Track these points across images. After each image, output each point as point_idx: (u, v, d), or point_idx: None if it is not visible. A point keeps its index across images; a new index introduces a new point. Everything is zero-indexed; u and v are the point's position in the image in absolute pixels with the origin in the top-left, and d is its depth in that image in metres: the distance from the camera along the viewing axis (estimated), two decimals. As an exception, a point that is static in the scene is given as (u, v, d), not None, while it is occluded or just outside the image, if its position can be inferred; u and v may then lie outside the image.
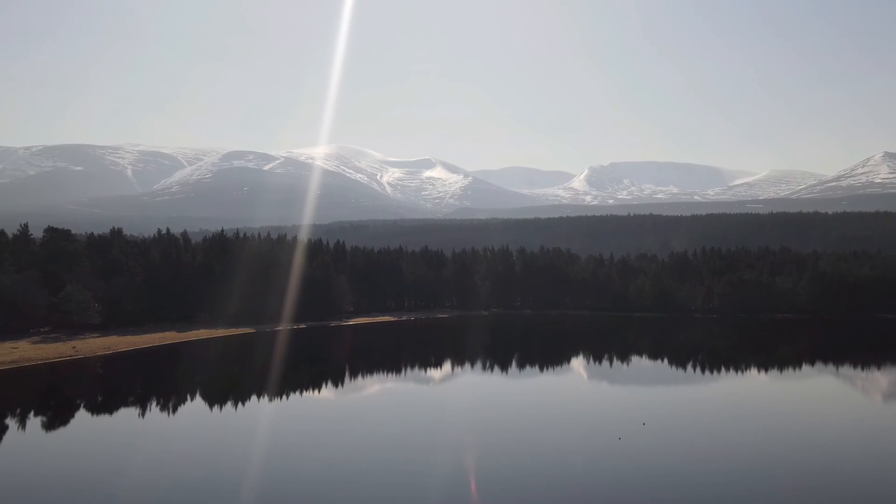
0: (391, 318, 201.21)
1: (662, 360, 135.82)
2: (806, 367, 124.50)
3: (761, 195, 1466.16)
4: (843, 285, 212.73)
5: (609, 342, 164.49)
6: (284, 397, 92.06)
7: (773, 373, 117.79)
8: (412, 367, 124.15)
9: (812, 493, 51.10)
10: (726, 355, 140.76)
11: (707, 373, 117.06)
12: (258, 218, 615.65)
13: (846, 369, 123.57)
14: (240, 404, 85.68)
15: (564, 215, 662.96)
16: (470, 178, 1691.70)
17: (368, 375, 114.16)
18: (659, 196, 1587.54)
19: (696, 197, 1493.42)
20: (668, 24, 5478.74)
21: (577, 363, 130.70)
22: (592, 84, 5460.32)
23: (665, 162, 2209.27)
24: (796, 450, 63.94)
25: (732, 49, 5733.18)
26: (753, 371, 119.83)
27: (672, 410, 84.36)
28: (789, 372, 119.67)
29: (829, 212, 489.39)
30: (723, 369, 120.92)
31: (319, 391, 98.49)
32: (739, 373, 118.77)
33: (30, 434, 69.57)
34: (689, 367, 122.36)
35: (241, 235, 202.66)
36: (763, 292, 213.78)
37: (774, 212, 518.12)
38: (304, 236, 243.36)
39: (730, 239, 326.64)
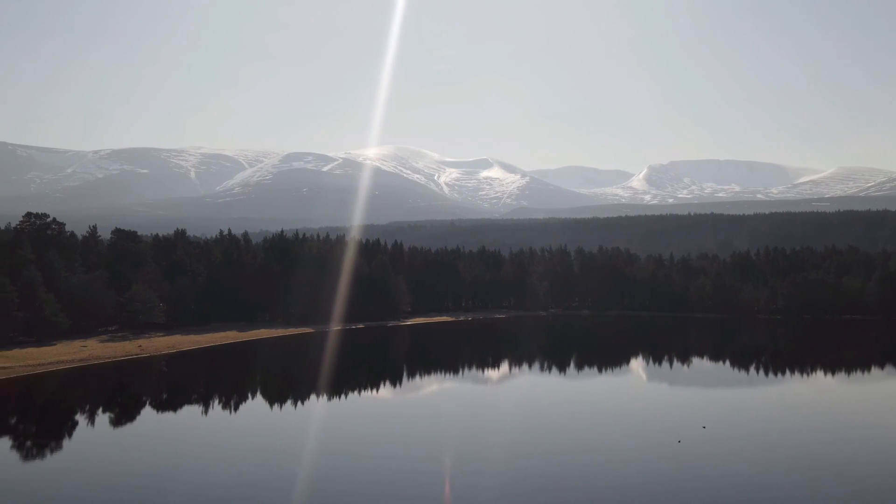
0: (448, 319, 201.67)
1: (724, 361, 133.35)
2: (875, 371, 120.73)
3: (827, 193, 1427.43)
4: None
5: (669, 343, 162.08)
6: (343, 397, 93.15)
7: (841, 376, 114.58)
8: (470, 367, 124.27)
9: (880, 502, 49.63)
10: (791, 357, 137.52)
11: (770, 375, 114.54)
12: (317, 219, 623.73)
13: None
14: (299, 403, 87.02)
15: (623, 215, 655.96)
16: (527, 177, 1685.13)
17: (426, 376, 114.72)
18: (720, 195, 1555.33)
19: (758, 195, 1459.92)
20: (725, 21, 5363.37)
21: (637, 364, 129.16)
22: (651, 82, 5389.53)
23: (726, 160, 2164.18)
24: (865, 457, 62.10)
25: (795, 46, 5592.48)
26: (819, 374, 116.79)
27: (733, 414, 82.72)
28: (857, 375, 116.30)
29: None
30: (787, 372, 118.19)
31: (377, 391, 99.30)
32: (805, 375, 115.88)
33: (98, 430, 71.73)
34: (752, 370, 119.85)
35: (301, 236, 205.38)
36: (829, 293, 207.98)
37: (841, 210, 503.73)
38: (361, 237, 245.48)
39: (794, 238, 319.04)
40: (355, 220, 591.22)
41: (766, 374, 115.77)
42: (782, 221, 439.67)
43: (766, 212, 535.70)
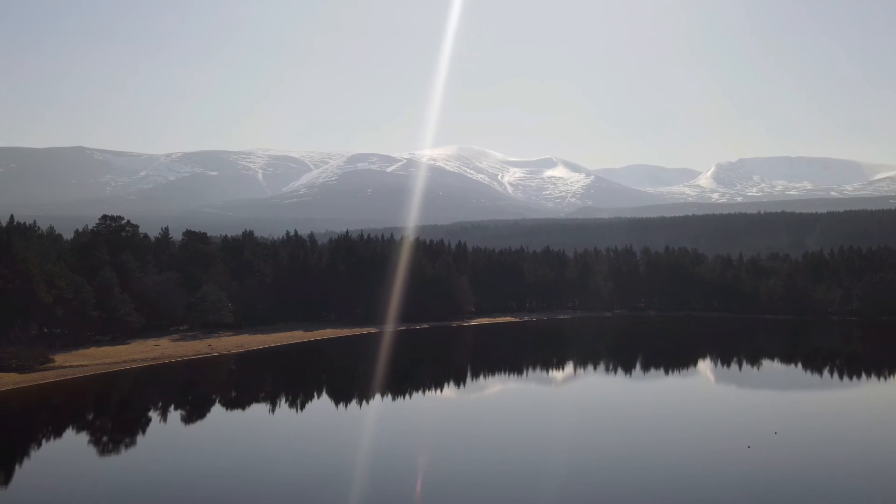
0: (512, 319, 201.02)
1: (796, 364, 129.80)
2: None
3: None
4: None
5: (739, 345, 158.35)
6: (407, 396, 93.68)
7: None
8: (534, 368, 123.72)
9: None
10: (868, 361, 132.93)
11: (846, 379, 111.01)
12: (381, 219, 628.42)
13: None
14: (364, 402, 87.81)
15: (690, 214, 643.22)
16: (592, 176, 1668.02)
17: (490, 376, 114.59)
18: (792, 192, 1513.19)
19: (832, 193, 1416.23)
20: (794, 16, 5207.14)
21: (705, 366, 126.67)
22: (717, 78, 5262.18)
23: (798, 157, 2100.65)
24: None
25: (867, 40, 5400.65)
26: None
27: (807, 419, 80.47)
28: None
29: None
30: (864, 376, 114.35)
31: (441, 391, 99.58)
32: (883, 380, 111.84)
33: (170, 427, 73.69)
34: (826, 373, 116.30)
35: (365, 237, 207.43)
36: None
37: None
38: (425, 237, 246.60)
39: (871, 237, 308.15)
40: (419, 220, 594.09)
41: (842, 377, 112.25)
42: (858, 219, 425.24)
43: (841, 210, 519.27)
